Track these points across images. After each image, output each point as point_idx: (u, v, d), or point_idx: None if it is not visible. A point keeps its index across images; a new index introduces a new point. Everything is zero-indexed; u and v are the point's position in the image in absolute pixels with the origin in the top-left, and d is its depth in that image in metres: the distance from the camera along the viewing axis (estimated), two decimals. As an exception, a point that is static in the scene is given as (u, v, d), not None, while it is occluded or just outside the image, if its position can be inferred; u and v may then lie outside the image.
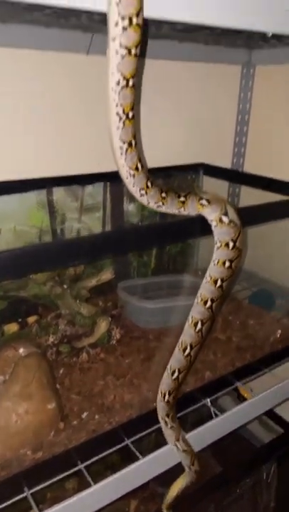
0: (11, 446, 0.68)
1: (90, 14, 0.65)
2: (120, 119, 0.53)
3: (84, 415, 0.77)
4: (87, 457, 0.73)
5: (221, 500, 1.02)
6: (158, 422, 0.81)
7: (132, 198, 1.13)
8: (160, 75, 1.10)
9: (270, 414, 1.30)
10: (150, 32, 0.82)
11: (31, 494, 0.67)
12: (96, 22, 0.73)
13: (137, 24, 0.45)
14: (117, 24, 0.45)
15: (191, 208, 0.67)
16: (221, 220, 0.65)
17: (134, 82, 0.51)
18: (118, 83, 0.50)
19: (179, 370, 0.73)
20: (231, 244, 0.65)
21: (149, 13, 0.47)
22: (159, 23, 0.70)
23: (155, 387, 0.84)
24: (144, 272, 1.26)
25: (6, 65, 0.89)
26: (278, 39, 0.89)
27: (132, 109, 0.53)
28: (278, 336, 1.05)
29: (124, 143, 0.56)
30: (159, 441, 0.80)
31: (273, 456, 1.13)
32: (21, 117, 0.94)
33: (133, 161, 0.58)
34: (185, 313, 1.07)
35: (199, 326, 0.70)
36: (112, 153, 0.58)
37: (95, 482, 0.70)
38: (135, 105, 0.54)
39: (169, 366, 0.74)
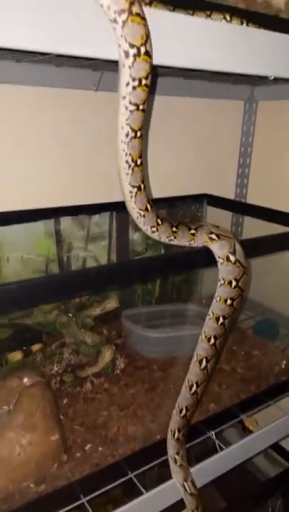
0: (13, 478, 0.68)
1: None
2: (129, 166, 0.57)
3: (87, 447, 0.76)
4: (90, 491, 0.72)
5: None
6: (162, 455, 0.80)
7: (137, 228, 1.16)
8: (167, 109, 1.14)
9: (276, 447, 1.27)
10: (158, 70, 0.86)
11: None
12: (105, 62, 0.77)
13: (146, 85, 0.50)
14: (127, 84, 0.50)
15: (200, 241, 0.69)
16: (228, 259, 0.67)
17: (142, 133, 0.55)
18: (127, 135, 0.55)
19: (186, 407, 0.74)
20: (234, 284, 0.66)
21: (155, 61, 0.50)
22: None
23: (159, 418, 0.84)
24: (149, 300, 1.27)
25: (19, 101, 0.93)
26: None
27: (140, 156, 0.57)
28: (283, 366, 1.05)
29: (133, 187, 0.60)
30: (163, 475, 0.78)
31: (279, 490, 1.10)
32: (33, 150, 0.98)
33: (142, 202, 0.62)
34: (189, 343, 1.07)
35: (204, 363, 0.71)
36: (123, 196, 0.61)
37: (98, 518, 0.68)
38: (143, 152, 0.57)
39: (177, 404, 0.75)
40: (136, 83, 0.50)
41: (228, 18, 0.57)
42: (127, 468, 0.76)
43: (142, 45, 0.47)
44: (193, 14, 0.56)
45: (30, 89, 0.93)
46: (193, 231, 0.70)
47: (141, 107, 0.52)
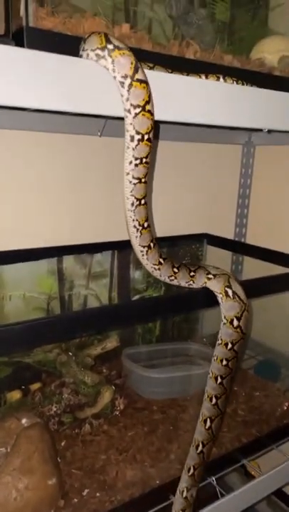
0: (8, 526, 0.66)
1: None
2: (138, 230, 0.64)
3: (85, 493, 0.74)
4: None
5: None
6: (162, 502, 0.78)
7: (138, 266, 1.18)
8: (168, 154, 1.19)
9: (279, 494, 1.23)
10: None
11: None
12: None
13: (146, 162, 0.58)
14: (130, 163, 0.57)
15: (200, 282, 0.72)
16: (226, 293, 0.68)
17: (146, 200, 0.63)
18: (132, 204, 0.62)
19: (194, 466, 0.74)
20: (236, 323, 0.67)
21: (158, 116, 0.54)
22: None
23: (158, 463, 0.83)
24: (149, 339, 1.26)
25: (24, 147, 0.97)
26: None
27: (147, 220, 0.64)
28: (285, 408, 1.03)
29: (144, 247, 0.67)
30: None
31: None
32: (37, 192, 1.01)
33: (155, 258, 0.69)
34: (190, 383, 1.06)
35: (208, 423, 0.72)
36: (135, 253, 0.68)
37: None
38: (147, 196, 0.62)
39: (186, 464, 0.75)
40: (138, 161, 0.57)
41: (222, 79, 0.61)
42: (125, 516, 0.74)
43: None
44: (188, 75, 0.60)
45: (35, 135, 0.98)
46: (192, 273, 0.72)
47: (143, 180, 0.59)
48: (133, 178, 0.59)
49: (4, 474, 0.68)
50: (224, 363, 0.69)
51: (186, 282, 0.72)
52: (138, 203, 0.61)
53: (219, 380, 0.71)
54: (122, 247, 1.11)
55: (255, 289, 0.80)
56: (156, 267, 0.70)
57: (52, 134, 1.00)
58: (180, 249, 1.27)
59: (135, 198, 0.61)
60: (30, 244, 0.99)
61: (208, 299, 0.71)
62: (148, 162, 0.58)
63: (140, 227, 0.64)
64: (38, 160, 1.00)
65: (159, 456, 0.84)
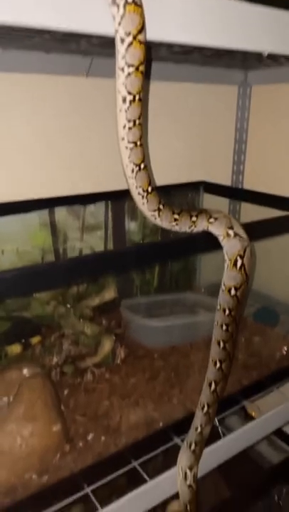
0: (15, 471, 0.67)
1: (88, 38, 0.67)
2: (143, 197, 0.64)
3: (89, 437, 0.75)
4: (93, 480, 0.71)
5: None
6: (165, 443, 0.80)
7: (134, 217, 1.15)
8: (160, 96, 1.12)
9: (279, 433, 1.27)
10: (149, 55, 0.85)
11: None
12: (95, 46, 0.75)
13: (140, 123, 0.58)
14: (124, 126, 0.57)
15: (201, 227, 0.69)
16: (228, 234, 0.66)
17: (145, 164, 0.62)
18: (132, 171, 0.61)
19: (207, 404, 0.74)
20: (239, 262, 0.66)
21: (149, 35, 0.49)
22: (158, 45, 0.72)
23: (161, 406, 0.83)
24: (147, 291, 1.26)
25: (8, 89, 0.91)
26: (273, 59, 0.91)
27: (144, 160, 0.62)
28: (284, 352, 1.04)
29: (143, 191, 0.64)
30: (168, 463, 0.78)
31: (283, 477, 1.10)
32: (24, 139, 0.96)
33: (143, 181, 0.64)
34: (190, 331, 1.06)
35: (218, 364, 0.74)
36: (124, 173, 0.63)
37: (102, 507, 0.67)
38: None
39: (199, 403, 0.75)
40: (131, 124, 0.57)
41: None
42: (131, 457, 0.75)
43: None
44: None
45: (18, 77, 0.91)
46: (194, 217, 0.69)
47: (139, 143, 0.59)
48: (128, 142, 0.58)
49: (8, 422, 0.69)
50: (227, 312, 0.68)
51: (189, 227, 0.70)
52: (138, 168, 0.61)
53: (224, 327, 0.70)
54: (116, 198, 1.08)
55: (256, 231, 0.77)
56: (156, 213, 0.67)
57: (33, 75, 0.93)
58: (176, 198, 1.23)
59: (134, 164, 0.61)
60: (19, 197, 0.95)
61: (208, 242, 0.68)
62: (141, 124, 0.58)
63: (145, 193, 0.64)
64: (22, 104, 0.94)
65: (161, 400, 0.85)
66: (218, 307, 0.70)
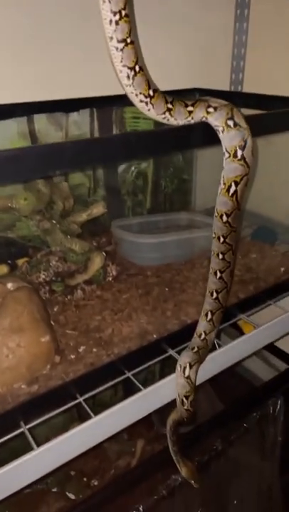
0: (3, 381, 0.64)
1: None
2: (129, 76, 0.56)
3: (81, 349, 0.73)
4: (86, 390, 0.70)
5: (228, 435, 1.01)
6: (160, 355, 0.77)
7: (122, 126, 1.05)
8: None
9: (273, 349, 1.28)
10: None
11: (29, 430, 0.64)
12: None
13: (126, 14, 0.52)
14: (110, 22, 0.52)
15: (198, 117, 0.62)
16: (227, 124, 0.59)
17: (140, 65, 0.56)
18: (128, 77, 0.56)
19: (211, 311, 0.73)
20: (239, 153, 0.59)
21: None
22: None
23: (154, 319, 0.80)
24: (140, 212, 1.19)
25: None
26: None
27: (138, 61, 0.56)
28: (283, 268, 1.00)
29: (146, 96, 0.58)
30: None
31: (279, 390, 1.11)
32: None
33: (161, 106, 0.59)
34: (184, 248, 1.01)
35: (219, 274, 0.70)
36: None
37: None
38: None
39: (202, 310, 0.74)
40: (117, 17, 0.52)
41: None
42: (124, 368, 0.73)
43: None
44: None
45: None
46: (190, 108, 0.61)
47: (129, 40, 0.53)
48: (118, 41, 0.53)
49: (-7, 334, 0.65)
50: (224, 219, 0.63)
51: (185, 119, 0.62)
52: (133, 73, 0.56)
53: (222, 239, 0.66)
54: (103, 104, 0.98)
55: (258, 125, 0.69)
56: (168, 114, 0.60)
57: None
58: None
59: (128, 67, 0.55)
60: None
61: (206, 134, 0.61)
62: (128, 14, 0.52)
63: (148, 99, 0.58)
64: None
65: (154, 313, 0.82)
66: (216, 213, 0.64)
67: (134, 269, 0.97)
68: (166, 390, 0.72)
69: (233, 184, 0.60)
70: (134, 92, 0.58)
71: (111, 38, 0.54)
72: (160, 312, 0.82)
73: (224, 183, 0.61)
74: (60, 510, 1.07)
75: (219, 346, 0.82)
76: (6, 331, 0.65)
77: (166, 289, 0.90)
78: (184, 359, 0.71)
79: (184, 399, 0.70)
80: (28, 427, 0.64)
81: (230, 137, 0.60)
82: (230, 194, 0.61)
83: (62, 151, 0.50)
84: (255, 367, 1.45)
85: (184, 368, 0.70)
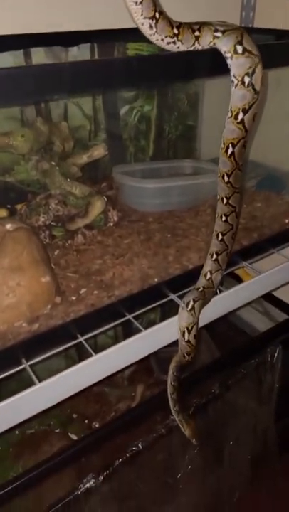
0: (4, 319, 0.64)
1: None
2: (152, 26, 0.54)
3: (82, 291, 0.72)
4: (87, 331, 0.70)
5: (225, 380, 1.03)
6: (161, 298, 0.77)
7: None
8: None
9: (272, 300, 1.28)
10: None
11: (30, 366, 0.64)
12: None
13: None
14: None
15: (205, 42, 0.57)
16: (235, 50, 0.55)
17: None
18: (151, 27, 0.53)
19: (216, 253, 0.72)
20: (247, 80, 0.55)
21: None
22: None
23: (156, 264, 0.79)
24: (142, 159, 1.16)
25: None
26: None
27: (156, 7, 0.54)
28: (287, 220, 0.98)
29: (172, 37, 0.55)
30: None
31: (278, 339, 1.12)
32: None
33: (189, 39, 0.56)
34: (188, 193, 0.99)
35: (224, 218, 0.69)
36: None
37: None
38: None
39: (208, 252, 0.73)
40: None
41: None
42: (125, 310, 0.73)
43: None
44: None
45: None
46: (197, 33, 0.57)
47: None
48: None
49: (-8, 273, 0.64)
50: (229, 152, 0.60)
51: (191, 45, 0.58)
52: (155, 21, 0.54)
53: (226, 179, 0.64)
54: (104, 39, 0.92)
55: (269, 56, 0.64)
56: (172, 39, 0.56)
57: None
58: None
59: (150, 18, 0.54)
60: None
61: (214, 61, 0.57)
62: None
63: (174, 38, 0.56)
64: None
65: (156, 258, 0.81)
66: (222, 144, 0.61)
67: (136, 215, 0.95)
68: (168, 331, 0.73)
69: (240, 112, 0.57)
70: (159, 38, 0.56)
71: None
72: (162, 257, 0.81)
73: (231, 112, 0.58)
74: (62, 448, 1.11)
75: (220, 292, 0.82)
76: (6, 270, 0.65)
77: (169, 235, 0.88)
78: (189, 296, 0.71)
79: (186, 331, 0.71)
80: (29, 363, 0.64)
81: (238, 64, 0.56)
82: (238, 121, 0.58)
83: (61, 72, 0.47)
84: (254, 319, 1.47)
85: (188, 302, 0.70)
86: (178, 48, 0.57)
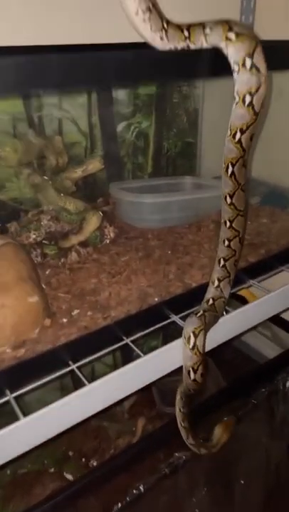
0: (-15, 344, 0.57)
1: None
2: (162, 37, 0.52)
3: (74, 312, 0.66)
4: (80, 357, 0.62)
5: (235, 411, 0.94)
6: (162, 320, 0.70)
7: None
8: None
9: (282, 322, 1.20)
10: None
11: (15, 398, 0.57)
12: None
13: None
14: None
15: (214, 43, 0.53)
16: (243, 64, 0.51)
17: None
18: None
19: (224, 258, 0.66)
20: (248, 100, 0.50)
21: None
22: None
23: (156, 283, 0.73)
24: (140, 176, 1.11)
25: None
26: None
27: (164, 20, 0.52)
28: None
29: (184, 40, 0.53)
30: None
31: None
32: None
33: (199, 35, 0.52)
34: (189, 210, 0.94)
35: (228, 223, 0.63)
36: None
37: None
38: None
39: (216, 258, 0.68)
40: None
41: None
42: (122, 333, 0.66)
43: None
44: None
45: None
46: (208, 30, 0.53)
47: (150, 5, 0.50)
48: (143, 12, 0.50)
49: (-26, 292, 0.58)
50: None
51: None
52: (164, 31, 0.52)
53: (228, 200, 0.60)
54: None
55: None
56: (160, 33, 0.52)
57: None
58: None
59: (159, 29, 0.51)
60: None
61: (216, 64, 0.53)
62: None
63: (186, 39, 0.53)
64: None
65: (156, 276, 0.74)
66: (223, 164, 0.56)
67: (134, 232, 0.89)
68: (171, 356, 0.65)
69: (238, 131, 0.53)
70: (172, 47, 0.53)
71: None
72: (162, 275, 0.75)
73: (230, 130, 0.54)
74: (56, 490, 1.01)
75: (227, 312, 0.75)
76: (-11, 289, 0.58)
77: (169, 252, 0.82)
78: (190, 325, 0.63)
79: (191, 370, 0.63)
80: (14, 395, 0.57)
81: (241, 80, 0.51)
82: (236, 140, 0.53)
83: (48, 63, 0.42)
84: (262, 344, 1.38)
85: (189, 337, 0.62)
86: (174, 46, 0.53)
